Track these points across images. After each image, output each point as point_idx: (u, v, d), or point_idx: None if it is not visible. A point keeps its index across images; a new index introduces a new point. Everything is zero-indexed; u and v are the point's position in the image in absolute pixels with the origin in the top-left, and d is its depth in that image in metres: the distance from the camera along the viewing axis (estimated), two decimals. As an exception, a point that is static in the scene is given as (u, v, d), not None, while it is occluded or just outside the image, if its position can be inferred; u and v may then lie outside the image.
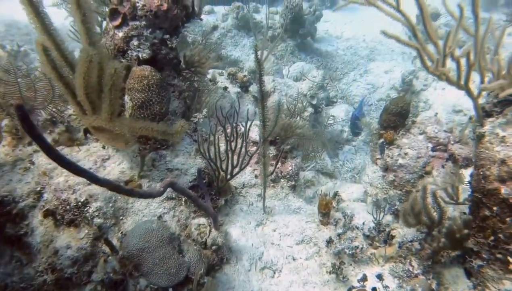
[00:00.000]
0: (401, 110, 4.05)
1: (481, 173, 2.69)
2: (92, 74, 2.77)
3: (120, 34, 3.60)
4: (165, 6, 3.63)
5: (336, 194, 3.79)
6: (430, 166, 3.96)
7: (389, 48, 9.02)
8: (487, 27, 2.47)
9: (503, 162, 2.55)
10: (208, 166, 3.41)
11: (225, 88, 4.95)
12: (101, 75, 2.84)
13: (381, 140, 4.20)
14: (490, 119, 2.74)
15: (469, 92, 2.64)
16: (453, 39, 2.51)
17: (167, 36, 3.76)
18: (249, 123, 3.37)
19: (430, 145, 4.01)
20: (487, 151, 2.65)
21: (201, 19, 4.33)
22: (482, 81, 2.64)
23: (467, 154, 3.94)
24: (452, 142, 4.04)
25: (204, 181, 3.38)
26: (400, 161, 3.98)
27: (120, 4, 3.59)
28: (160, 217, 2.99)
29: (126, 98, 3.35)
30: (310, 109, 5.49)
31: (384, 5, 2.59)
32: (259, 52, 5.59)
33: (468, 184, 2.96)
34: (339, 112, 7.01)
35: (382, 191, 4.16)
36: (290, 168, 3.89)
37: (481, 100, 2.73)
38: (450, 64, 2.65)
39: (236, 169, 3.30)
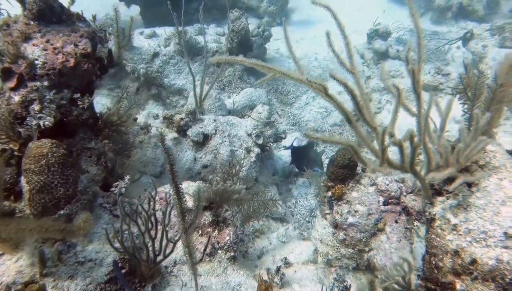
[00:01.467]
0: (349, 162, 3.71)
1: (434, 262, 2.35)
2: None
3: (17, 98, 3.04)
4: (72, 62, 3.11)
5: (279, 268, 3.40)
6: (382, 222, 3.63)
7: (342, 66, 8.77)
8: (429, 102, 2.13)
9: (456, 253, 2.23)
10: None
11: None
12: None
13: (329, 193, 3.85)
14: (440, 198, 2.41)
15: (416, 175, 2.31)
16: (392, 126, 2.16)
17: (78, 95, 3.24)
18: (170, 204, 2.90)
19: (381, 199, 3.69)
20: (438, 239, 2.32)
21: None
22: (429, 163, 2.30)
23: (420, 207, 3.66)
24: (404, 193, 3.74)
25: (125, 270, 2.89)
26: (350, 219, 3.63)
27: (15, 62, 3.03)
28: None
29: (23, 181, 2.80)
30: (256, 150, 5.08)
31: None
32: (197, 88, 5.09)
33: (420, 270, 2.63)
34: (291, 142, 6.68)
35: (333, 249, 3.80)
36: (228, 238, 3.44)
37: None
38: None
39: (160, 257, 2.82)
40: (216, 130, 4.97)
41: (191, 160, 4.75)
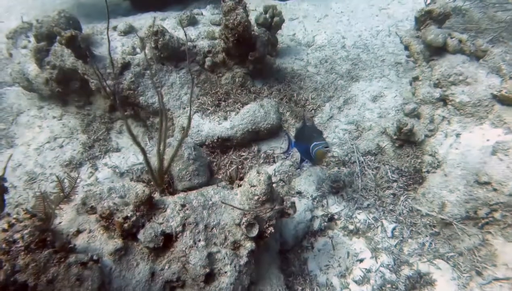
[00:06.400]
0: None
1: None
2: None
3: None
4: None
5: None
6: None
7: (378, 56, 6.64)
8: None
9: None
10: None
11: (84, 264, 2.84)
12: None
13: None
14: None
15: None
16: None
17: None
18: None
19: None
20: None
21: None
22: None
23: None
24: None
25: None
26: None
27: None
28: None
29: None
30: (248, 245, 3.42)
31: None
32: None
33: None
34: (309, 185, 4.95)
35: None
36: None
37: None
38: None
39: None
40: (185, 225, 3.33)
41: (146, 277, 3.18)
